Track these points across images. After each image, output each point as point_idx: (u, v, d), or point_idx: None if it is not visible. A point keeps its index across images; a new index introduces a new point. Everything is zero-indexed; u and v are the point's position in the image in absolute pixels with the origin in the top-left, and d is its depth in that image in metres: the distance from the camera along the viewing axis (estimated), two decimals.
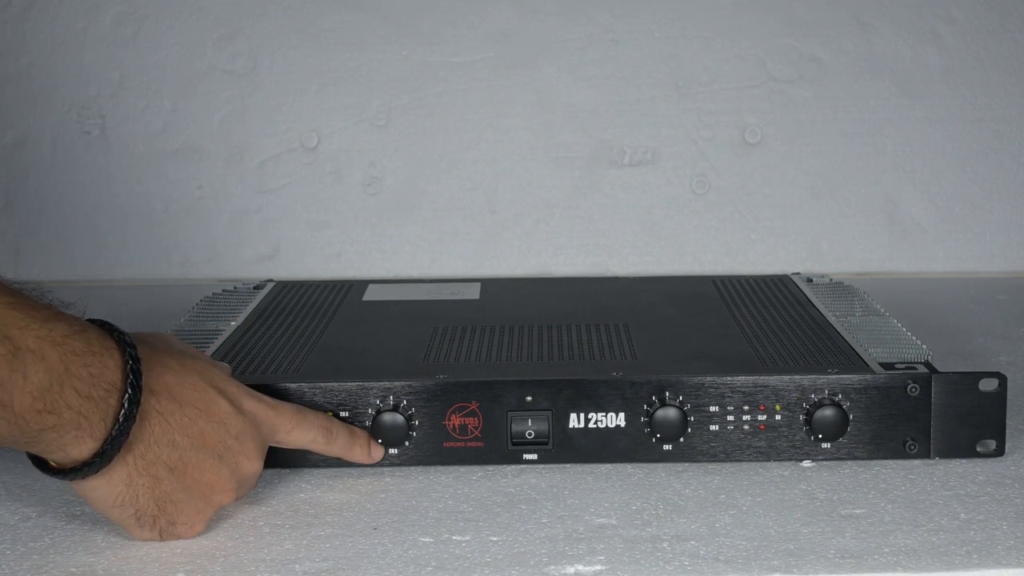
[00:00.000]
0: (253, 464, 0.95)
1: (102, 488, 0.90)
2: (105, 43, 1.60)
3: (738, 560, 0.88)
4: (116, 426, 0.87)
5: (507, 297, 1.33)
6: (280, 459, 1.03)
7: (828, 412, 1.03)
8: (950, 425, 1.03)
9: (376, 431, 1.03)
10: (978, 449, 1.04)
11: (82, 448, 0.88)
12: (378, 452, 1.03)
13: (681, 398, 1.03)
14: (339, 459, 1.03)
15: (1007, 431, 1.04)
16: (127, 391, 0.88)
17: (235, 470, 0.94)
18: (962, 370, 1.04)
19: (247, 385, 0.98)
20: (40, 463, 0.90)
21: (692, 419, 1.03)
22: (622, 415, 1.03)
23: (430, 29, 1.60)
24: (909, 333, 1.15)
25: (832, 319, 1.20)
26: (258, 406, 0.97)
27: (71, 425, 0.86)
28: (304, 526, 0.95)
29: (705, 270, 1.61)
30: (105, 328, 0.90)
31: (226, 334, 1.19)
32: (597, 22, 1.60)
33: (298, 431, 0.99)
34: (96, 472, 0.89)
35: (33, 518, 0.96)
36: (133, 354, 0.89)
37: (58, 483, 1.02)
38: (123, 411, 0.87)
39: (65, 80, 1.60)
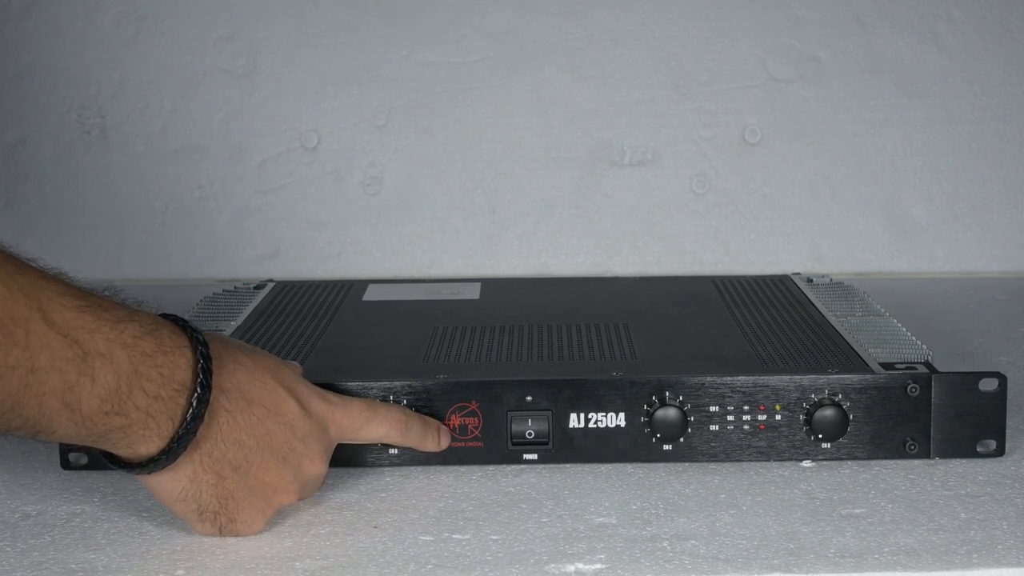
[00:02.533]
0: (317, 467, 0.95)
1: (167, 483, 0.90)
2: (105, 43, 1.60)
3: (738, 559, 0.88)
4: (184, 425, 0.88)
5: (507, 297, 1.33)
6: None
7: (828, 412, 1.03)
8: (950, 425, 1.03)
9: None
10: (978, 449, 1.04)
11: (149, 446, 0.88)
12: (446, 439, 1.03)
13: (681, 398, 1.03)
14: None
15: (1007, 431, 1.04)
16: (196, 390, 0.88)
17: (298, 472, 0.94)
18: (962, 370, 1.04)
19: None
20: (107, 454, 0.90)
21: (692, 419, 1.03)
22: (622, 415, 1.03)
23: (430, 29, 1.60)
24: (909, 333, 1.15)
25: (832, 319, 1.20)
26: (326, 408, 0.96)
27: (139, 425, 0.86)
28: (304, 524, 0.95)
29: (705, 270, 1.61)
30: (179, 325, 0.90)
31: (226, 334, 1.19)
32: (597, 22, 1.60)
33: (367, 428, 0.99)
34: (162, 468, 0.89)
35: (33, 516, 0.96)
36: (205, 352, 0.89)
37: (61, 481, 1.02)
38: (191, 410, 0.88)
39: (65, 80, 1.60)
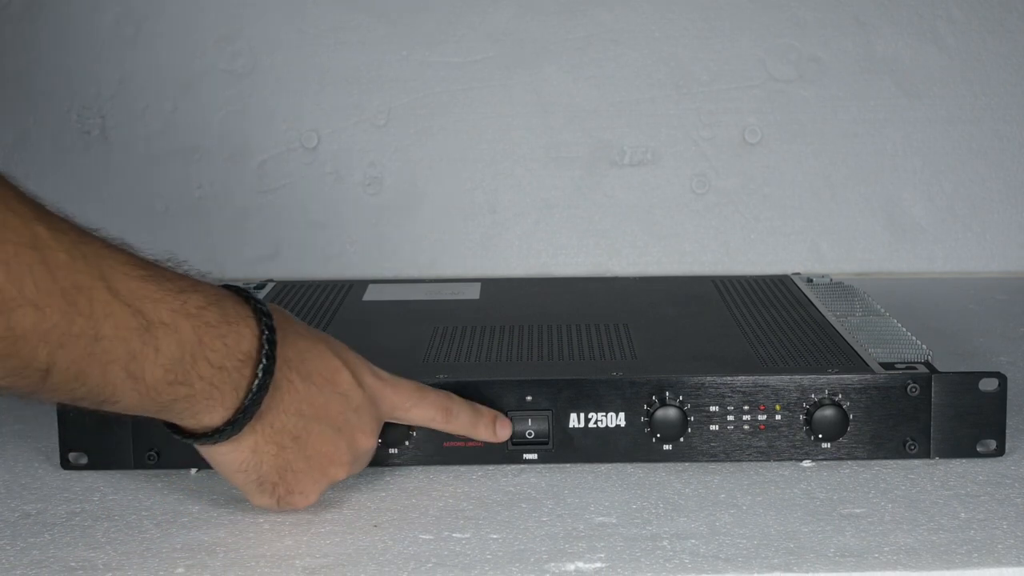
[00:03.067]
0: (368, 440, 0.96)
1: (229, 454, 0.91)
2: (105, 43, 1.60)
3: (738, 559, 0.88)
4: (249, 396, 0.88)
5: (507, 297, 1.33)
6: None
7: (828, 412, 1.03)
8: (950, 425, 1.03)
9: None
10: (978, 449, 1.04)
11: (213, 416, 0.88)
12: (505, 431, 1.02)
13: (681, 398, 1.03)
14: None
15: (1007, 431, 1.04)
16: (262, 360, 0.88)
17: (351, 443, 0.95)
18: (962, 370, 1.04)
19: None
20: (171, 426, 0.91)
21: (692, 419, 1.03)
22: (622, 415, 1.03)
23: (430, 29, 1.60)
24: (909, 333, 1.15)
25: (832, 319, 1.20)
26: (377, 383, 0.97)
27: (202, 395, 0.87)
28: (304, 523, 0.95)
29: (705, 270, 1.61)
30: (241, 295, 0.91)
31: None
32: (597, 22, 1.60)
33: (416, 409, 0.99)
34: (226, 439, 0.89)
35: (33, 515, 0.96)
36: (269, 323, 0.89)
37: (61, 481, 1.02)
38: (257, 381, 0.88)
39: (65, 80, 1.60)
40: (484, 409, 1.02)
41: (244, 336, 0.88)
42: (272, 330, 0.89)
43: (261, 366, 0.88)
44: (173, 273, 0.87)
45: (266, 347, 0.89)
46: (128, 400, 0.85)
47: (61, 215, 0.83)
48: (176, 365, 0.85)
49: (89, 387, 0.83)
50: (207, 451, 0.92)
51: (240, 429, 0.89)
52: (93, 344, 0.81)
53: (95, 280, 0.81)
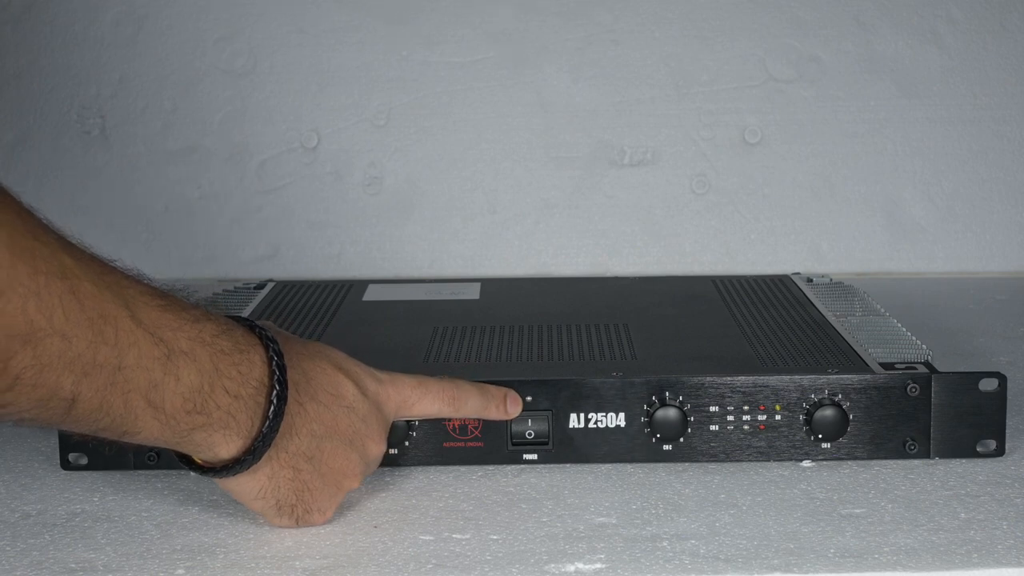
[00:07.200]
0: (379, 446, 0.96)
1: (247, 483, 0.91)
2: (105, 43, 1.60)
3: (738, 559, 0.88)
4: (266, 423, 0.89)
5: (507, 297, 1.33)
6: None
7: (828, 412, 1.03)
8: (950, 425, 1.03)
9: None
10: (978, 449, 1.04)
11: (230, 447, 0.89)
12: (515, 407, 1.02)
13: (681, 398, 1.03)
14: None
15: (1007, 431, 1.04)
16: (275, 387, 0.89)
17: (363, 454, 0.95)
18: (962, 370, 1.04)
19: None
20: (187, 460, 0.91)
21: (692, 419, 1.03)
22: (622, 415, 1.03)
23: (430, 29, 1.60)
24: (909, 333, 1.15)
25: (832, 319, 1.20)
26: (378, 387, 0.97)
27: (220, 424, 0.87)
28: None
29: (705, 270, 1.61)
30: (245, 325, 0.91)
31: None
32: (597, 22, 1.60)
33: (421, 404, 0.99)
34: (247, 469, 0.90)
35: (33, 516, 0.96)
36: (276, 349, 0.90)
37: (61, 481, 1.02)
38: (272, 408, 0.89)
39: (65, 80, 1.60)
40: (492, 389, 1.02)
41: (255, 364, 0.89)
42: (280, 355, 0.90)
43: (275, 392, 0.89)
44: (187, 303, 0.88)
45: (277, 373, 0.89)
46: (149, 430, 0.85)
47: (82, 245, 0.83)
48: (195, 394, 0.85)
49: (112, 417, 0.83)
50: (225, 483, 0.92)
51: (260, 458, 0.89)
52: (115, 373, 0.82)
53: (120, 309, 0.82)
